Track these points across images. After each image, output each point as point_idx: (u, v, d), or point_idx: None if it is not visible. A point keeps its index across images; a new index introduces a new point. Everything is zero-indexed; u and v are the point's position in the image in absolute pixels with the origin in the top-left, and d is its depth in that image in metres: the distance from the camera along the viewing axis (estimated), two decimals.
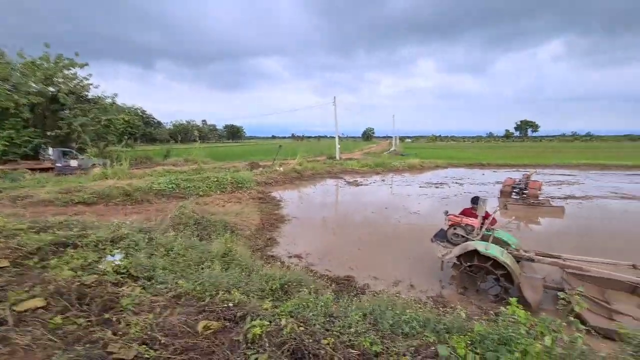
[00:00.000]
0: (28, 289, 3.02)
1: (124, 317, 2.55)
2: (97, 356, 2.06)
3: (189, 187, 12.02)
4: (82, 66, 21.90)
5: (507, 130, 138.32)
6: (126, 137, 24.79)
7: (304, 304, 2.96)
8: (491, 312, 3.03)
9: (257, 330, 2.19)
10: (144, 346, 2.17)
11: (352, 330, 2.35)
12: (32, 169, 15.90)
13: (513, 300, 2.22)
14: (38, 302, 2.74)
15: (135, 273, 3.53)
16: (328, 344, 2.07)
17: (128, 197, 10.22)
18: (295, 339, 2.12)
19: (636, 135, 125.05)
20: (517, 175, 14.94)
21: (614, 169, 24.79)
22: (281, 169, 19.80)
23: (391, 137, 55.32)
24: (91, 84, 22.69)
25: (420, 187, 17.14)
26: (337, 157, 28.76)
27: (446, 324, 2.56)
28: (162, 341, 2.23)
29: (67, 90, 20.83)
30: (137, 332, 2.33)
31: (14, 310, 2.62)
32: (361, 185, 18.00)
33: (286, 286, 3.94)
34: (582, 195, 14.17)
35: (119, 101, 25.19)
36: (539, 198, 12.51)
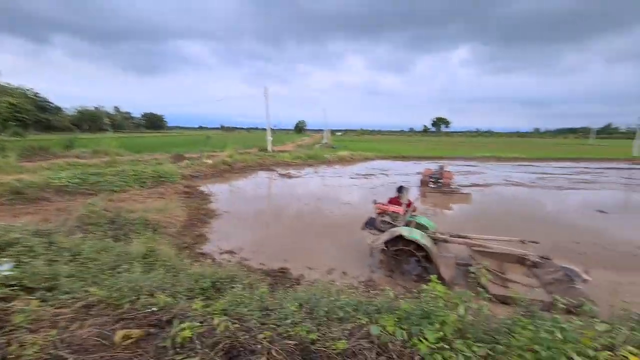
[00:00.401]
0: None
1: (17, 337, 2.14)
2: None
3: (99, 182, 10.58)
4: None
5: (424, 126, 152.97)
6: (13, 123, 20.62)
7: (238, 300, 2.86)
8: (414, 290, 3.33)
9: (187, 333, 2.03)
10: None
11: (289, 321, 2.34)
12: None
13: (433, 277, 2.46)
14: None
15: (30, 284, 2.99)
16: (265, 337, 2.02)
17: (18, 195, 8.55)
18: (229, 337, 2.02)
19: (523, 132, 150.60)
20: (434, 166, 16.62)
21: (506, 160, 29.32)
22: (210, 161, 18.73)
23: (323, 130, 56.55)
24: None
25: (350, 178, 17.93)
26: (269, 149, 28.34)
27: (376, 305, 2.72)
28: (69, 359, 1.93)
29: None
30: (35, 352, 1.97)
31: None
32: (294, 177, 18.08)
33: (218, 283, 3.75)
34: (483, 183, 16.45)
35: (2, 80, 20.75)
36: (451, 186, 14.14)
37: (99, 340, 2.12)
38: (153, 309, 2.60)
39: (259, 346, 1.97)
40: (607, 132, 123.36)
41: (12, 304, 2.57)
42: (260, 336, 2.05)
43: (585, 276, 5.03)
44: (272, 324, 2.33)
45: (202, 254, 6.50)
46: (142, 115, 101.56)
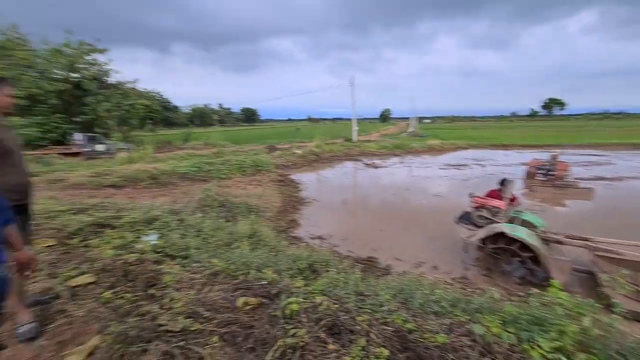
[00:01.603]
0: (75, 266, 3.25)
1: (168, 292, 2.72)
2: (148, 327, 2.22)
3: (210, 170, 12.29)
4: (102, 52, 22.25)
5: (532, 109, 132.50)
6: (148, 121, 25.32)
7: (334, 283, 3.05)
8: (519, 293, 3.03)
9: (294, 307, 2.29)
10: (190, 319, 2.32)
11: (385, 308, 2.42)
12: (63, 154, 16.64)
13: (555, 282, 2.21)
14: (88, 279, 2.95)
15: (171, 252, 3.72)
16: (363, 320, 2.15)
17: (154, 180, 10.59)
18: (330, 315, 2.21)
19: None
20: (542, 156, 14.38)
21: None
22: (299, 151, 19.86)
23: (409, 118, 54.09)
24: (112, 69, 23.14)
25: (440, 168, 16.85)
26: (355, 139, 28.51)
27: (476, 304, 2.59)
28: (206, 315, 2.38)
29: (90, 76, 21.30)
30: (181, 306, 2.49)
31: (67, 286, 2.84)
32: (380, 167, 17.88)
33: (313, 266, 4.05)
34: (612, 177, 13.56)
35: (139, 86, 25.59)
36: (566, 179, 12.08)
37: (225, 303, 2.56)
38: (263, 282, 2.98)
39: (358, 327, 2.10)
40: None
41: (162, 266, 3.26)
42: (359, 318, 2.18)
43: None
44: (369, 309, 2.44)
45: (296, 238, 7.04)
46: (241, 110, 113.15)
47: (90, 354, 2.09)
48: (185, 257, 3.62)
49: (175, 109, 76.79)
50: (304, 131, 35.48)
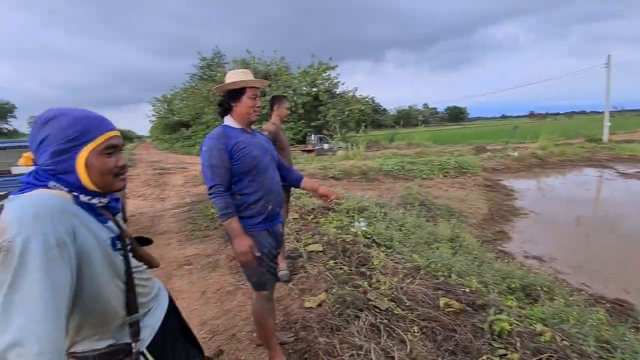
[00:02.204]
0: (310, 236, 4.22)
1: (375, 274, 3.10)
2: (360, 298, 2.63)
3: (412, 169, 12.58)
4: (333, 68, 27.10)
5: None
6: (363, 124, 28.84)
7: (561, 316, 2.49)
8: None
9: (505, 325, 2.06)
10: (393, 303, 2.55)
11: None
12: (303, 151, 21.81)
13: None
14: (318, 247, 3.78)
15: (378, 240, 4.16)
16: None
17: (364, 176, 12.00)
18: (556, 351, 1.84)
19: None
20: None
21: None
22: (515, 153, 16.88)
23: None
24: (339, 82, 27.82)
25: None
26: (605, 139, 21.16)
27: None
28: (407, 304, 2.54)
29: (324, 89, 26.53)
30: (386, 289, 2.77)
31: (306, 250, 3.75)
32: None
33: (529, 288, 3.44)
34: None
35: (357, 94, 29.46)
36: None
37: (425, 298, 2.64)
38: (465, 289, 2.84)
39: None
40: None
41: (370, 250, 3.72)
42: None
43: None
44: None
45: (504, 252, 6.12)
46: (446, 110, 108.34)
47: (319, 304, 2.71)
48: (389, 247, 3.96)
49: (383, 111, 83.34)
50: (522, 129, 29.56)
